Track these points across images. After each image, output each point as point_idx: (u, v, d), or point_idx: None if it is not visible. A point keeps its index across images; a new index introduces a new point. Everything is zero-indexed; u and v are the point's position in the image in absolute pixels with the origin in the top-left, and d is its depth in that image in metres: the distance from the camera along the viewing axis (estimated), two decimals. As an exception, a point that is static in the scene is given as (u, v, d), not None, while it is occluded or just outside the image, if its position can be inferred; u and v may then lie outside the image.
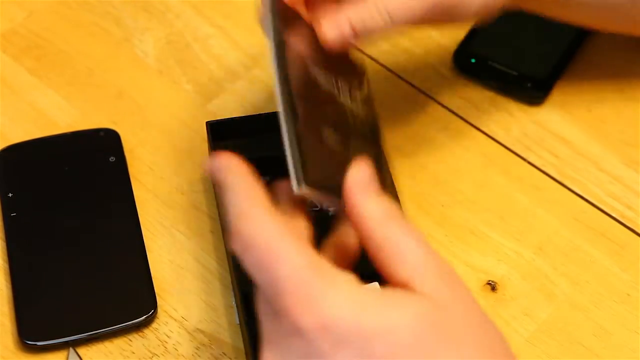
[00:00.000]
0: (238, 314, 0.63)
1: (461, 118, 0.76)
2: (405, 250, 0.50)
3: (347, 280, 0.49)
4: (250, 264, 0.49)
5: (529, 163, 0.73)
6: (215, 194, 0.69)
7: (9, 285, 0.67)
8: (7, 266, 0.67)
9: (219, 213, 0.69)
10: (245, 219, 0.50)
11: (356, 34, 0.61)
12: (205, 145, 0.74)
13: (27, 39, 0.80)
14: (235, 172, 0.52)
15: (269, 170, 0.64)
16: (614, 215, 0.71)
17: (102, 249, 0.68)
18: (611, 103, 0.77)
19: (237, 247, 0.50)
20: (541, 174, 0.73)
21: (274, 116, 0.60)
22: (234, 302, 0.65)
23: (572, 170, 0.73)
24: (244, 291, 0.61)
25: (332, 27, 0.60)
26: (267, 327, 0.50)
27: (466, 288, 0.51)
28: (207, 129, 0.67)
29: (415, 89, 0.77)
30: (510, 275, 0.68)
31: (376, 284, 0.54)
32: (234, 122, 0.67)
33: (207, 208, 0.71)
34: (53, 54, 0.79)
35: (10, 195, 0.70)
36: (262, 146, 0.66)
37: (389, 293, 0.49)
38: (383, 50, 0.80)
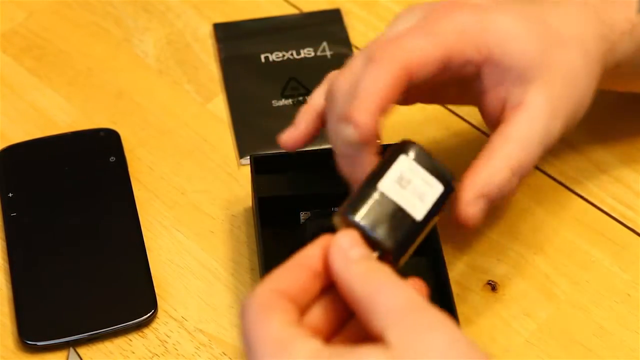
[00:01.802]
0: None
1: (462, 118, 0.76)
2: (380, 300, 0.49)
3: (309, 348, 0.48)
4: (240, 332, 0.51)
5: (529, 163, 0.73)
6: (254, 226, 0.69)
7: (9, 285, 0.67)
8: (7, 266, 0.67)
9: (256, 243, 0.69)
10: (250, 295, 0.51)
11: (491, 206, 0.57)
12: (205, 145, 0.74)
13: (27, 39, 0.80)
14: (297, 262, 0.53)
15: (308, 206, 0.66)
16: (614, 215, 0.71)
17: (102, 249, 0.68)
18: (611, 103, 0.76)
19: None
20: (541, 173, 0.73)
21: (316, 154, 0.61)
22: None
23: (573, 170, 0.73)
24: None
25: (473, 206, 0.56)
26: None
27: (449, 337, 0.48)
28: (250, 162, 0.67)
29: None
30: (511, 275, 0.68)
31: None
32: (277, 157, 0.67)
33: (208, 208, 0.71)
34: (53, 54, 0.79)
35: (10, 195, 0.70)
36: (303, 182, 0.67)
37: (348, 350, 0.48)
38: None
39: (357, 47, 0.80)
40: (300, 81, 0.77)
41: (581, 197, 0.72)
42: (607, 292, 0.67)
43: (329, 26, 0.80)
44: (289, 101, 0.76)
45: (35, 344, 0.64)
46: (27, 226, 0.69)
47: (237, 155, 0.74)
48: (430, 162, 0.54)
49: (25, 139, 0.73)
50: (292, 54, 0.79)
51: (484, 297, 0.67)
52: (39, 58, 0.79)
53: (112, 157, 0.72)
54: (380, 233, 0.53)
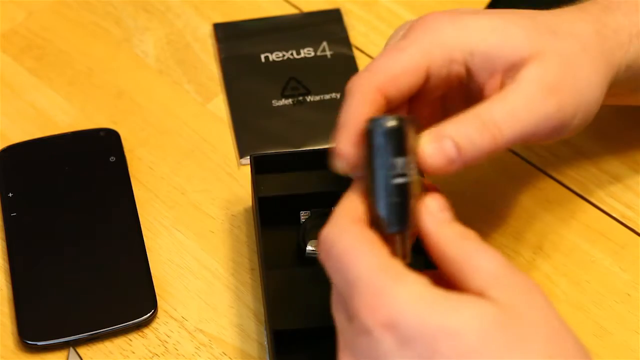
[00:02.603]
0: (269, 353, 0.63)
1: (461, 118, 0.76)
2: (478, 262, 0.51)
3: (417, 281, 0.50)
4: (330, 268, 0.52)
5: (529, 163, 0.73)
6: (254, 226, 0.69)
7: (9, 285, 0.67)
8: (7, 266, 0.67)
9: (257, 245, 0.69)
10: (331, 226, 0.53)
11: (463, 157, 0.54)
12: (205, 145, 0.74)
13: (27, 39, 0.80)
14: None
15: (308, 206, 0.66)
16: (614, 215, 0.71)
17: (102, 248, 0.68)
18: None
19: (320, 252, 0.53)
20: (541, 173, 0.73)
21: (316, 153, 0.61)
22: (265, 342, 0.65)
23: (573, 170, 0.73)
24: (275, 331, 0.61)
25: (435, 150, 0.54)
26: (342, 331, 0.51)
27: (544, 299, 0.51)
28: (250, 161, 0.67)
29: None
30: (511, 275, 0.68)
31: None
32: (277, 157, 0.68)
33: (207, 208, 0.71)
34: (53, 54, 0.79)
35: (10, 195, 0.70)
36: (303, 182, 0.67)
37: (458, 296, 0.50)
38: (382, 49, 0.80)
39: (357, 47, 0.80)
40: (300, 81, 0.77)
41: (581, 197, 0.72)
42: (607, 292, 0.67)
43: (329, 26, 0.80)
44: (289, 101, 0.76)
45: (35, 344, 0.64)
46: (27, 226, 0.69)
47: (237, 155, 0.74)
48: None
49: (25, 139, 0.73)
50: (292, 54, 0.79)
51: (484, 297, 0.67)
52: (39, 58, 0.79)
53: (112, 157, 0.72)
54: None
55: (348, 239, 0.51)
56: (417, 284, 0.50)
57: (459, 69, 0.59)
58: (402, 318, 0.48)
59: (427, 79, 0.58)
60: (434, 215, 0.53)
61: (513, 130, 0.56)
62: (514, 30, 0.59)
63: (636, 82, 0.64)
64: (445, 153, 0.54)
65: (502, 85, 0.58)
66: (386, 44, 0.62)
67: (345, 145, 0.54)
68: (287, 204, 0.67)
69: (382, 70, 0.57)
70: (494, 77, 0.58)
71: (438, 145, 0.54)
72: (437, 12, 0.60)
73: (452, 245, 0.52)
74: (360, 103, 0.55)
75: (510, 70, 0.58)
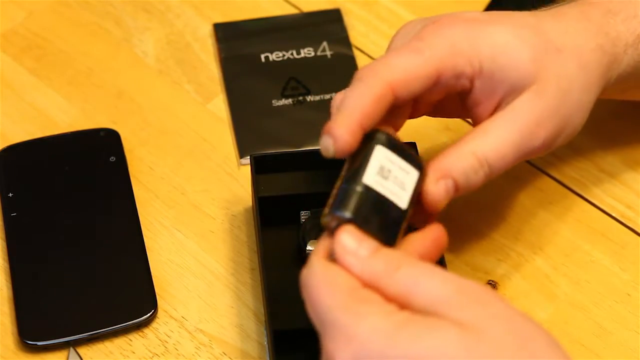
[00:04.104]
0: (269, 353, 0.63)
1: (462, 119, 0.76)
2: (423, 290, 0.50)
3: (377, 311, 0.50)
4: (307, 306, 0.53)
5: (529, 163, 0.73)
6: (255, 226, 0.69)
7: (9, 285, 0.67)
8: (7, 266, 0.67)
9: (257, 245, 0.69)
10: (306, 265, 0.54)
11: (459, 192, 0.58)
12: (205, 145, 0.74)
13: (27, 39, 0.80)
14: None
15: (308, 206, 0.66)
16: (614, 215, 0.71)
17: (103, 248, 0.68)
18: (611, 103, 0.76)
19: (301, 291, 0.54)
20: (541, 173, 0.73)
21: (316, 153, 0.62)
22: (265, 342, 0.65)
23: (573, 170, 0.73)
24: (275, 331, 0.61)
25: (439, 188, 0.57)
26: None
27: (503, 303, 0.50)
28: (250, 161, 0.67)
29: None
30: (511, 275, 0.68)
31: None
32: (277, 157, 0.68)
33: (208, 208, 0.71)
34: (53, 54, 0.79)
35: (10, 195, 0.70)
36: (303, 182, 0.67)
37: (420, 321, 0.49)
38: (382, 49, 0.79)
39: (357, 47, 0.80)
40: (301, 81, 0.77)
41: (581, 197, 0.72)
42: (607, 292, 0.67)
43: (329, 26, 0.80)
44: (289, 101, 0.76)
45: (35, 344, 0.64)
46: (27, 226, 0.69)
47: (237, 155, 0.74)
48: (402, 148, 0.56)
49: (25, 139, 0.73)
50: (292, 54, 0.79)
51: (484, 297, 0.67)
52: (39, 58, 0.79)
53: (112, 157, 0.72)
54: (372, 226, 0.54)
55: (314, 278, 0.52)
56: (377, 316, 0.50)
57: (465, 82, 0.59)
58: (366, 353, 0.49)
59: (435, 85, 0.58)
60: (354, 253, 0.53)
61: (501, 166, 0.58)
62: (522, 50, 0.59)
63: (622, 84, 0.65)
64: (447, 190, 0.57)
65: (499, 107, 0.60)
66: (393, 41, 0.62)
67: (343, 132, 0.54)
68: (287, 204, 0.67)
69: (399, 68, 0.57)
70: (494, 97, 0.60)
71: (443, 183, 0.57)
72: (453, 16, 0.60)
73: (387, 280, 0.51)
74: (370, 94, 0.56)
75: (509, 95, 0.59)
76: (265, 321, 0.65)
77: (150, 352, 0.65)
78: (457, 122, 0.75)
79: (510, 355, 0.48)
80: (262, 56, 0.79)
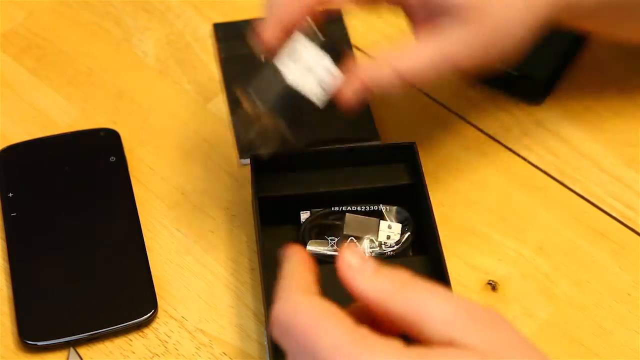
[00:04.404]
0: (269, 353, 0.63)
1: (462, 118, 0.76)
2: (432, 310, 0.47)
3: (390, 346, 0.46)
4: (291, 346, 0.48)
5: (529, 163, 0.73)
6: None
7: (9, 285, 0.67)
8: (7, 266, 0.67)
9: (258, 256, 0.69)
10: (283, 302, 0.49)
11: (373, 94, 0.63)
12: (205, 145, 0.74)
13: (27, 39, 0.80)
14: (293, 259, 0.52)
15: (308, 206, 0.66)
16: (614, 214, 0.71)
17: (103, 248, 0.68)
18: (611, 103, 0.77)
19: (276, 330, 0.49)
20: (541, 173, 0.73)
21: (316, 154, 0.61)
22: (266, 342, 0.65)
23: (573, 170, 0.73)
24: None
25: (348, 89, 0.62)
26: None
27: (508, 325, 0.48)
28: (250, 161, 0.67)
29: (415, 89, 0.77)
30: (511, 275, 0.68)
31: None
32: (277, 157, 0.68)
33: (208, 208, 0.71)
34: (53, 54, 0.79)
35: (10, 195, 0.70)
36: (303, 182, 0.67)
37: (435, 352, 0.46)
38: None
39: (357, 47, 0.80)
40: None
41: (581, 196, 0.72)
42: (607, 292, 0.67)
43: (329, 26, 0.80)
44: (289, 101, 0.76)
45: (36, 344, 0.64)
46: (27, 226, 0.69)
47: (237, 155, 0.74)
48: (319, 38, 0.63)
49: (25, 139, 0.73)
50: (292, 54, 0.79)
51: (484, 297, 0.67)
52: (39, 58, 0.79)
53: (112, 157, 0.72)
54: (265, 98, 0.62)
55: (308, 313, 0.48)
56: (391, 349, 0.46)
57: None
58: None
59: None
60: (359, 271, 0.49)
61: (419, 82, 0.64)
62: None
63: (585, 12, 0.66)
64: (358, 94, 0.62)
65: (433, 28, 0.63)
66: None
67: (270, 37, 0.62)
68: (287, 204, 0.67)
69: None
70: (429, 20, 0.63)
71: (358, 86, 0.62)
72: None
73: (396, 300, 0.48)
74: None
75: (442, 20, 0.62)
76: (265, 321, 0.65)
77: (151, 352, 0.65)
78: (457, 122, 0.75)
79: None
80: (262, 56, 0.78)
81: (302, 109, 0.62)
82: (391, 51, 0.63)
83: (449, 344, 0.47)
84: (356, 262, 0.50)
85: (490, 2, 0.62)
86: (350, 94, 0.62)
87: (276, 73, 0.62)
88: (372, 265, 0.50)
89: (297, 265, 0.52)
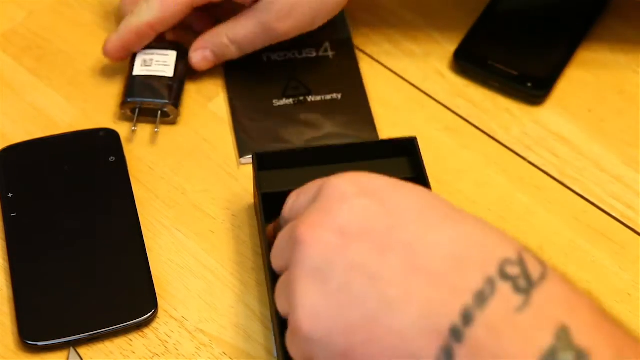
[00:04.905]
0: (276, 348, 0.63)
1: (461, 118, 0.76)
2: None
3: None
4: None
5: (529, 163, 0.73)
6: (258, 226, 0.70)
7: (9, 285, 0.67)
8: (7, 266, 0.67)
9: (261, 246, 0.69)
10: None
11: (216, 58, 0.76)
12: (205, 145, 0.74)
13: (27, 39, 0.80)
14: None
15: None
16: (614, 214, 0.71)
17: (103, 248, 0.68)
18: (611, 103, 0.77)
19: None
20: (541, 173, 0.73)
21: (319, 150, 0.61)
22: (273, 341, 0.65)
23: (573, 170, 0.73)
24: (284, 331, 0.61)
25: (196, 53, 0.76)
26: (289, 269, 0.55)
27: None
28: (253, 158, 0.67)
29: (415, 88, 0.78)
30: (511, 275, 0.68)
31: None
32: (279, 154, 0.68)
33: (208, 208, 0.71)
34: (53, 54, 0.79)
35: (10, 195, 0.70)
36: (306, 178, 0.67)
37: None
38: (384, 50, 0.80)
39: (358, 48, 0.80)
40: (302, 81, 0.77)
41: (581, 196, 0.72)
42: (607, 292, 0.67)
43: (332, 27, 0.80)
44: (290, 101, 0.76)
45: (36, 344, 0.64)
46: (27, 226, 0.69)
47: (237, 155, 0.74)
48: (160, 44, 0.76)
49: (25, 139, 0.73)
50: (293, 54, 0.79)
51: (485, 297, 0.67)
52: (39, 58, 0.79)
53: (112, 157, 0.72)
54: (148, 94, 0.74)
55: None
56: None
57: None
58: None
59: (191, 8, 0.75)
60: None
61: (250, 47, 0.76)
62: None
63: None
64: (204, 58, 0.76)
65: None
66: None
67: (114, 51, 0.75)
68: None
69: (156, 11, 0.74)
70: None
71: (200, 52, 0.76)
72: None
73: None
74: (133, 30, 0.75)
75: None
76: (272, 321, 0.65)
77: (151, 352, 0.65)
78: (457, 121, 0.75)
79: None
80: (264, 56, 0.79)
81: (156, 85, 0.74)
82: (227, 23, 0.75)
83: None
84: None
85: None
86: (198, 57, 0.76)
87: (144, 78, 0.75)
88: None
89: None
